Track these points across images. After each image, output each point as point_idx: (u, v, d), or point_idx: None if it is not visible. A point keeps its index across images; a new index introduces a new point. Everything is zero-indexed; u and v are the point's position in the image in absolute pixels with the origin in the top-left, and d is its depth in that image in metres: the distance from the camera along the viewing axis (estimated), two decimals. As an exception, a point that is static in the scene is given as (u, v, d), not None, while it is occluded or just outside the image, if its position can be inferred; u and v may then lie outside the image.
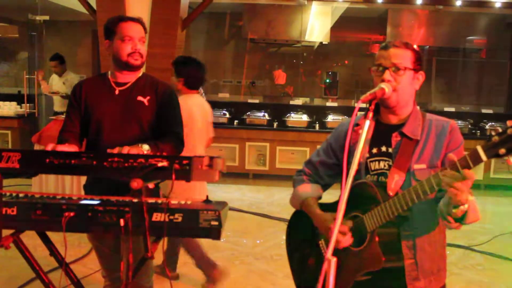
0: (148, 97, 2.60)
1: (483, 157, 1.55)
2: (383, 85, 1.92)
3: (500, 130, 1.52)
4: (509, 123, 1.50)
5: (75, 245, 4.82)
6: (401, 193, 1.83)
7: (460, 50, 10.08)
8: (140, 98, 2.60)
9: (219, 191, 7.41)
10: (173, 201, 2.01)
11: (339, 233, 1.94)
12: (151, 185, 2.49)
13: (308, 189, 2.24)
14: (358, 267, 1.94)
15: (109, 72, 2.67)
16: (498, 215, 6.65)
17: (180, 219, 1.93)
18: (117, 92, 2.61)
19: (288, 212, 2.45)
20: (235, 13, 10.35)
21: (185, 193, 3.14)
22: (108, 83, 2.63)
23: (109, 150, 2.21)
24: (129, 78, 2.63)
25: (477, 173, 7.99)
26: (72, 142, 2.55)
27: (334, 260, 1.62)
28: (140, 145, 2.32)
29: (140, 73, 2.68)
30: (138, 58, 2.54)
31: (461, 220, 1.80)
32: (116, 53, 2.56)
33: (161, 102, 2.62)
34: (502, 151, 1.50)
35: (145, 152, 2.28)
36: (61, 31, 11.18)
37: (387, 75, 1.96)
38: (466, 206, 1.73)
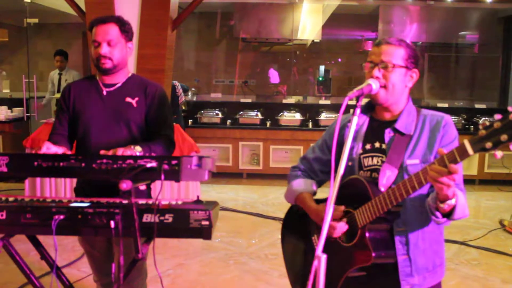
0: (136, 98, 2.58)
1: (470, 151, 1.56)
2: (370, 81, 1.94)
3: (487, 124, 1.53)
4: (496, 116, 1.51)
5: (69, 249, 4.82)
6: (391, 188, 1.84)
7: (452, 45, 10.11)
8: (128, 99, 2.58)
9: (212, 192, 7.41)
10: (164, 202, 2.02)
11: (333, 220, 1.95)
12: (142, 187, 2.50)
13: (302, 184, 2.26)
14: (348, 263, 1.95)
15: (97, 74, 2.66)
16: (492, 210, 6.69)
17: (170, 219, 1.93)
18: (104, 93, 2.59)
19: (283, 211, 2.47)
20: (226, 12, 10.35)
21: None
22: (97, 84, 2.62)
23: (102, 152, 2.21)
24: (117, 79, 2.61)
25: (471, 168, 8.03)
26: (62, 144, 2.54)
27: (324, 257, 1.63)
28: (132, 146, 2.31)
29: (129, 74, 2.66)
30: (106, 61, 2.50)
31: (448, 215, 1.81)
32: (91, 56, 2.58)
33: (151, 103, 2.60)
34: (489, 145, 1.51)
35: (138, 154, 2.27)
36: (52, 33, 11.16)
37: (376, 71, 1.98)
38: (453, 201, 1.74)
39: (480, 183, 8.08)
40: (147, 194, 2.62)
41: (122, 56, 2.56)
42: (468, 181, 7.97)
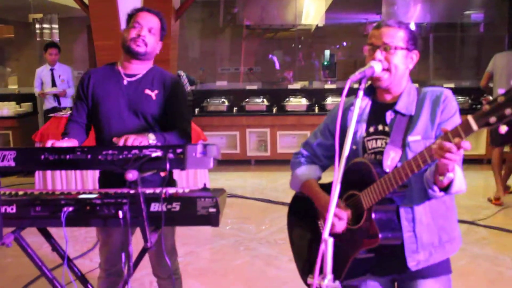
0: (156, 91, 2.58)
1: (474, 126, 1.54)
2: (372, 63, 1.92)
3: (490, 99, 1.52)
4: (499, 91, 1.50)
5: (81, 240, 4.86)
6: (396, 168, 1.83)
7: (457, 25, 10.02)
8: (147, 91, 2.57)
9: (221, 179, 7.43)
10: (171, 190, 2.02)
11: (334, 216, 1.95)
12: (162, 173, 2.51)
13: (306, 171, 2.24)
14: (355, 245, 1.95)
15: (119, 62, 2.65)
16: (501, 189, 6.66)
17: (178, 208, 1.93)
18: (125, 82, 2.59)
19: (291, 196, 2.46)
20: (228, 0, 10.30)
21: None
22: (117, 73, 2.61)
23: (115, 139, 2.22)
24: (139, 69, 2.61)
25: (479, 148, 7.98)
26: (75, 134, 2.56)
27: (331, 240, 1.63)
28: (146, 134, 2.33)
29: (150, 65, 2.65)
30: (141, 44, 2.51)
31: (446, 189, 1.81)
32: (123, 38, 2.56)
33: (169, 97, 2.59)
34: (493, 119, 1.49)
35: (151, 141, 2.29)
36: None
37: (378, 54, 1.96)
38: (451, 175, 1.74)
39: (488, 163, 8.01)
40: (170, 179, 2.64)
41: (153, 47, 2.58)
42: (477, 160, 7.94)
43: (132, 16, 2.57)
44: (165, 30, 2.63)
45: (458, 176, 1.78)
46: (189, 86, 7.75)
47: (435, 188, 1.81)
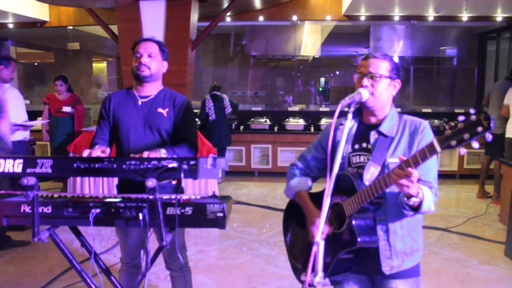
0: (166, 109, 2.60)
1: (438, 148, 1.55)
2: (360, 90, 1.93)
3: (452, 124, 1.52)
4: (459, 118, 1.49)
5: (107, 238, 4.85)
6: (372, 183, 1.82)
7: (434, 58, 10.04)
8: (160, 109, 2.59)
9: (229, 188, 7.42)
10: (184, 197, 2.02)
11: (316, 226, 1.94)
12: (174, 182, 2.51)
13: (299, 182, 2.24)
14: (338, 247, 1.93)
15: (133, 86, 2.67)
16: (471, 201, 6.64)
17: (190, 212, 1.93)
18: (140, 103, 2.61)
19: (288, 203, 2.45)
20: (238, 34, 10.36)
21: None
22: (133, 96, 2.64)
23: (132, 155, 2.22)
24: (150, 91, 2.63)
25: (452, 165, 7.96)
26: (104, 146, 2.56)
27: (322, 243, 1.62)
28: (158, 149, 2.33)
29: (160, 87, 2.67)
30: (144, 69, 2.53)
31: (416, 210, 1.82)
32: (131, 68, 2.60)
33: (178, 114, 2.61)
34: (454, 143, 1.49)
35: (162, 155, 2.29)
36: (91, 54, 11.25)
37: (365, 81, 1.97)
38: (417, 199, 1.76)
39: (460, 178, 8.00)
40: (177, 187, 2.63)
41: (158, 68, 2.59)
42: (450, 176, 7.91)
43: (134, 48, 2.59)
44: (165, 51, 2.64)
45: (426, 199, 1.79)
46: (230, 108, 7.65)
47: (407, 208, 1.82)
